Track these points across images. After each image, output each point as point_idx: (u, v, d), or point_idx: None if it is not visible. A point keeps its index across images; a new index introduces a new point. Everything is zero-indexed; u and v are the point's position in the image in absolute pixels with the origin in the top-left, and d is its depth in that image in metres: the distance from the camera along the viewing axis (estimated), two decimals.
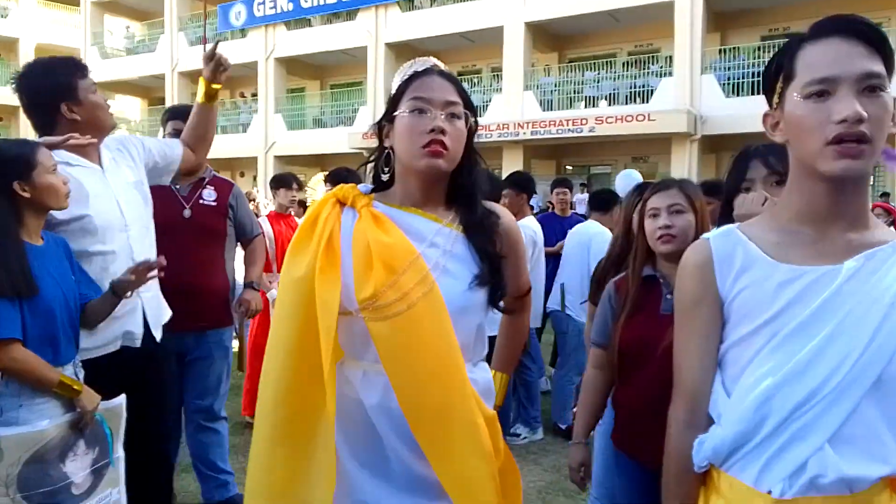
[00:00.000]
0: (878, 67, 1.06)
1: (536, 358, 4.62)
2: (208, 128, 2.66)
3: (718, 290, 1.17)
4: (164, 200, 2.74)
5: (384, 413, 1.35)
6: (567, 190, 5.68)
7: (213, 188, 3.14)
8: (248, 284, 3.26)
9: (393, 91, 1.44)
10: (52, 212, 2.10)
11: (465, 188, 1.45)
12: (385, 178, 1.45)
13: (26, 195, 1.95)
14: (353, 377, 1.38)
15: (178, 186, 2.95)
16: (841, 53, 1.06)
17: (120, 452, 2.17)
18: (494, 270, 1.42)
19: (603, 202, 4.81)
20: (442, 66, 1.47)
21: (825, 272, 1.09)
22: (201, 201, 3.08)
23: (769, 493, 1.08)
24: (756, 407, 1.09)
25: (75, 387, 2.00)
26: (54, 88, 2.22)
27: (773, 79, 1.15)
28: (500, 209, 1.53)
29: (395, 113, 1.40)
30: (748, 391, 1.11)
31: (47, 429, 1.93)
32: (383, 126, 1.45)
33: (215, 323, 3.02)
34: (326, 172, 4.92)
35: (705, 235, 1.23)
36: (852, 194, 1.11)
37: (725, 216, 1.79)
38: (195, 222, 3.01)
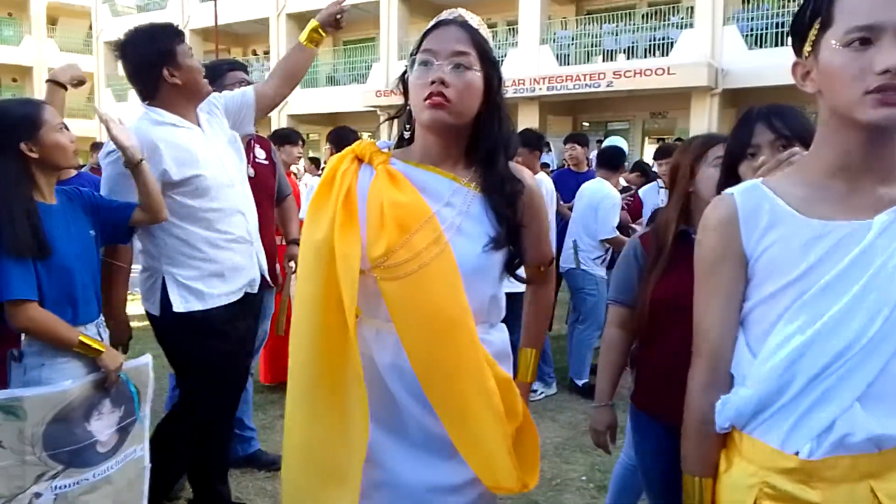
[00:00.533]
0: None
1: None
2: (301, 69, 2.75)
3: (743, 248, 1.13)
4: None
5: (396, 372, 1.35)
6: (575, 144, 5.53)
7: (259, 146, 3.11)
8: (294, 241, 3.36)
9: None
10: (168, 173, 2.23)
11: (485, 146, 1.41)
12: (407, 135, 1.43)
13: (34, 155, 1.93)
14: (367, 334, 1.38)
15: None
16: None
17: (146, 411, 2.20)
18: (512, 236, 1.39)
19: (611, 159, 4.78)
20: (469, 16, 1.41)
21: (856, 227, 1.06)
22: (256, 160, 3.07)
23: (796, 454, 1.06)
24: (784, 367, 1.07)
25: (96, 346, 2.00)
26: (157, 54, 2.32)
27: (807, 25, 1.09)
28: (526, 174, 1.48)
29: (409, 67, 1.39)
30: (775, 351, 1.08)
31: (70, 388, 1.95)
32: (406, 82, 1.42)
33: (267, 284, 2.94)
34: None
35: (729, 190, 1.18)
36: (886, 146, 1.07)
37: (727, 185, 1.69)
38: (257, 181, 2.97)
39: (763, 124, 1.69)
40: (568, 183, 5.28)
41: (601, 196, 4.49)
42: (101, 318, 2.12)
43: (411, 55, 1.40)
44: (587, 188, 4.68)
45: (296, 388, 1.39)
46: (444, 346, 1.30)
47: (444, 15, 1.41)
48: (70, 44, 27.24)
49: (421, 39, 1.38)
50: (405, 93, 1.42)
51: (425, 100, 1.31)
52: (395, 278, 1.29)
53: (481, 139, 1.41)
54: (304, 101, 19.98)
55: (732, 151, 1.74)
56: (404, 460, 1.37)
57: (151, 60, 2.33)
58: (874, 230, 1.05)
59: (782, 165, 1.52)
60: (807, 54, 1.10)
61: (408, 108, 1.41)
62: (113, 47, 2.39)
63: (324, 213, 1.34)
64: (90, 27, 25.79)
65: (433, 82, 1.31)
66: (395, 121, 1.50)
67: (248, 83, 2.71)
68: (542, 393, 4.44)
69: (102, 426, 2.03)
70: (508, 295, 1.56)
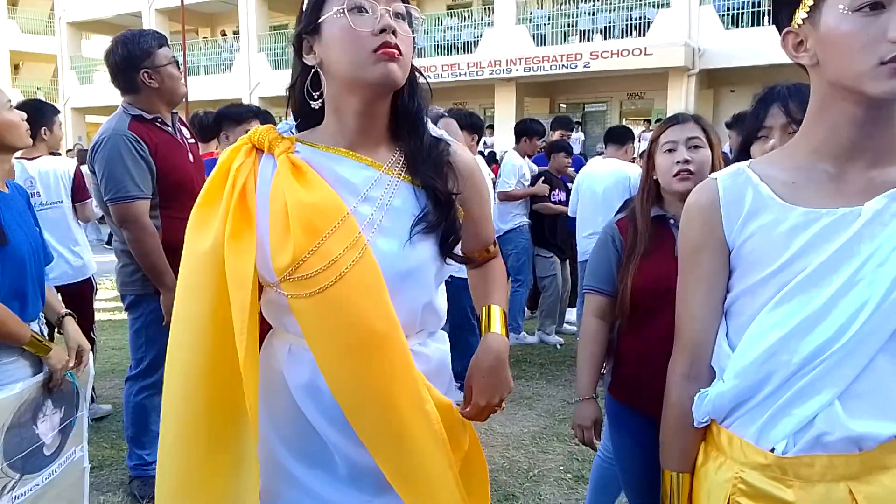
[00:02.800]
0: None
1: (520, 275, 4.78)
2: None
3: (725, 236, 1.08)
4: (180, 151, 2.70)
5: (312, 396, 1.16)
6: (569, 132, 6.03)
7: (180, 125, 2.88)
8: None
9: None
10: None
11: (410, 113, 1.19)
12: (316, 105, 1.17)
13: None
14: (278, 351, 1.20)
15: (171, 129, 2.72)
16: None
17: (84, 410, 2.12)
18: (443, 211, 1.17)
19: (619, 136, 4.84)
20: None
21: (843, 214, 0.99)
22: (188, 142, 2.86)
23: (772, 450, 1.02)
24: (762, 361, 1.02)
25: (45, 343, 1.91)
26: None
27: None
28: (452, 139, 1.28)
29: (322, 17, 1.12)
30: (754, 344, 1.03)
31: (23, 391, 1.85)
32: (303, 40, 1.16)
33: None
34: None
35: (713, 175, 1.13)
36: (883, 123, 0.99)
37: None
38: (200, 167, 2.85)
39: (778, 106, 1.64)
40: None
41: (627, 175, 4.45)
42: (42, 316, 2.02)
43: (315, 5, 1.14)
44: (599, 170, 4.67)
45: (171, 429, 1.15)
46: (372, 369, 1.10)
47: None
48: (32, 24, 26.42)
49: None
50: (299, 53, 1.18)
51: (376, 51, 1.08)
52: (307, 294, 1.08)
53: (403, 108, 1.19)
54: (276, 82, 19.59)
55: (747, 131, 1.70)
56: (330, 494, 1.18)
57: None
58: (863, 217, 0.98)
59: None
60: (801, 21, 1.00)
61: (312, 71, 1.16)
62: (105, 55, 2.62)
63: (212, 217, 1.12)
64: (52, 7, 24.97)
65: (383, 31, 1.08)
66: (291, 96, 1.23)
67: (177, 62, 2.67)
68: (516, 339, 4.61)
69: (47, 428, 1.96)
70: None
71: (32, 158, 3.56)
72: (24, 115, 1.98)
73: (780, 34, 1.05)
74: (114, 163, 2.44)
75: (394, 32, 1.09)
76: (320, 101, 1.17)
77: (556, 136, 5.75)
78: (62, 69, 24.12)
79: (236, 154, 1.17)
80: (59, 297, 2.21)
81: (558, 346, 5.23)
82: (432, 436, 1.14)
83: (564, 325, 5.60)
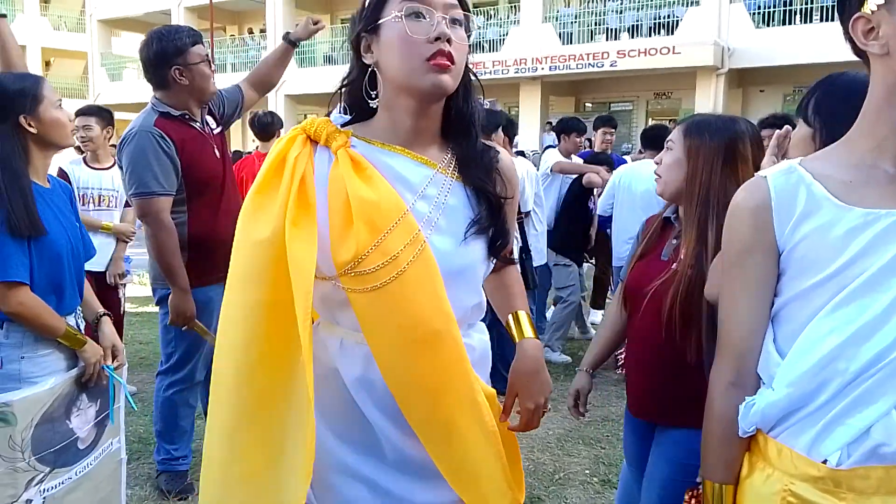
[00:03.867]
0: None
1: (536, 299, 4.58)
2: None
3: (775, 238, 1.03)
4: (206, 147, 2.73)
5: (366, 388, 1.17)
6: (613, 129, 5.75)
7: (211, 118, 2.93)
8: None
9: None
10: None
11: (463, 116, 1.22)
12: (374, 104, 1.19)
13: (33, 130, 1.88)
14: (330, 344, 1.21)
15: (200, 124, 2.74)
16: None
17: (121, 402, 2.13)
18: (495, 214, 1.21)
19: (656, 139, 4.51)
20: None
21: None
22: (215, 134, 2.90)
23: (825, 462, 0.98)
24: (818, 369, 0.98)
25: (80, 337, 1.93)
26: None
27: None
28: (496, 145, 1.31)
29: (381, 20, 1.13)
30: (808, 351, 0.99)
31: (55, 386, 1.88)
32: (362, 38, 1.18)
33: None
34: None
35: (761, 173, 1.06)
36: None
37: None
38: (229, 164, 2.90)
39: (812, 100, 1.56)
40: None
41: None
42: (79, 309, 2.04)
43: (375, 4, 1.15)
44: (636, 172, 4.49)
45: (221, 416, 1.16)
46: (429, 362, 1.13)
47: None
48: (63, 22, 26.88)
49: None
50: (357, 52, 1.19)
51: (428, 60, 1.09)
52: (367, 289, 1.10)
53: (456, 111, 1.21)
54: (302, 80, 19.75)
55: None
56: (381, 479, 1.21)
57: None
58: None
59: (783, 143, 1.40)
60: (876, 7, 0.94)
61: (369, 70, 1.17)
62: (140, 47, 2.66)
63: (270, 206, 1.11)
64: (83, 5, 25.37)
65: (438, 38, 1.09)
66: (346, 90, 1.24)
67: (209, 61, 2.68)
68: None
69: (82, 422, 1.98)
70: None
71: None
72: (72, 115, 2.02)
73: (846, 21, 0.99)
74: (138, 158, 2.47)
75: (448, 41, 1.10)
76: (377, 99, 1.19)
77: (598, 134, 5.65)
78: (92, 66, 24.51)
79: (292, 144, 1.17)
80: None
81: (564, 364, 4.87)
82: (482, 427, 1.19)
83: (590, 328, 5.45)
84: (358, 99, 1.21)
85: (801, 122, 1.37)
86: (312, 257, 1.08)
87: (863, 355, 0.95)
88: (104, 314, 2.11)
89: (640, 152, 5.80)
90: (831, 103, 1.31)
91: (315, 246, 1.09)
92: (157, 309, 2.85)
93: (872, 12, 0.95)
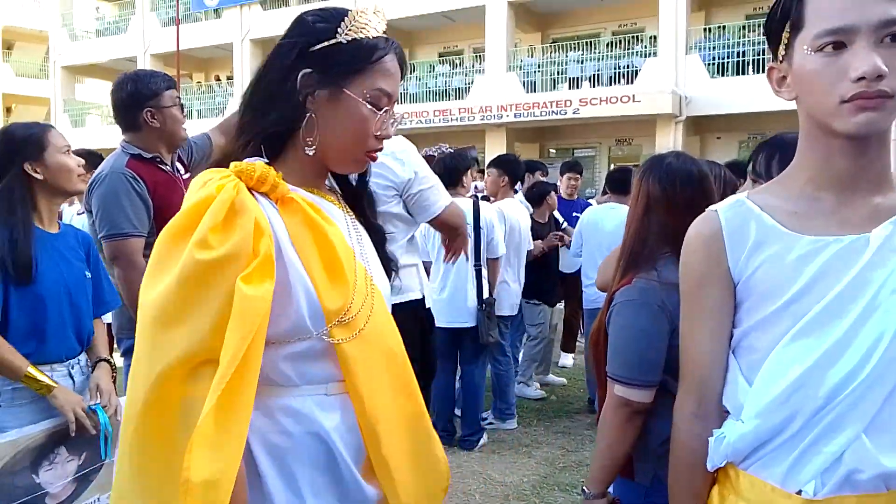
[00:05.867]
0: None
1: (509, 351, 4.55)
2: None
3: (729, 269, 1.06)
4: (176, 190, 2.65)
5: (339, 432, 1.11)
6: (578, 175, 5.86)
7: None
8: None
9: (336, 39, 1.09)
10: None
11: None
12: (311, 152, 1.11)
13: (38, 176, 1.92)
14: (301, 406, 1.10)
15: (170, 168, 2.70)
16: None
17: (114, 456, 2.03)
18: (383, 245, 1.27)
19: (621, 182, 4.54)
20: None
21: (850, 242, 0.97)
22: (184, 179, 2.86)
23: (799, 492, 0.97)
24: (785, 398, 0.98)
25: (46, 382, 1.87)
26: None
27: (779, 26, 1.01)
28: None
29: (346, 87, 1.10)
30: (774, 380, 0.99)
31: (18, 439, 1.80)
32: (311, 83, 1.09)
33: None
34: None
35: (713, 207, 1.10)
36: (874, 153, 0.99)
37: None
38: None
39: (754, 157, 1.75)
40: (559, 211, 5.38)
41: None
42: (84, 360, 2.02)
43: (344, 64, 1.10)
44: (610, 215, 4.46)
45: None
46: (401, 399, 1.16)
47: (378, 23, 1.14)
48: (26, 68, 26.62)
49: (367, 57, 1.10)
50: (297, 89, 1.09)
51: (367, 152, 1.15)
52: (356, 336, 1.08)
53: None
54: None
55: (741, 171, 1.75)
56: None
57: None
58: (872, 245, 0.96)
59: None
60: (781, 58, 1.02)
61: (309, 116, 1.10)
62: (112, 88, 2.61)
63: (233, 233, 0.99)
64: (47, 51, 25.23)
65: (381, 137, 1.16)
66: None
67: (181, 106, 2.68)
68: (492, 425, 4.39)
69: (55, 476, 1.88)
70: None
71: None
72: (82, 161, 2.04)
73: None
74: (110, 200, 2.42)
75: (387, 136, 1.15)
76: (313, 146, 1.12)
77: (564, 179, 5.74)
78: (55, 112, 24.21)
79: (240, 191, 1.03)
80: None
81: (535, 399, 4.98)
82: (438, 457, 1.22)
83: (551, 372, 5.46)
84: (277, 139, 1.13)
85: (749, 181, 1.45)
86: (267, 304, 1.00)
87: (829, 381, 0.96)
88: (103, 360, 2.06)
89: (604, 194, 5.96)
90: (780, 163, 1.39)
91: (269, 303, 1.00)
92: None
93: (780, 62, 1.02)
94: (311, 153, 1.12)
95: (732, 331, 1.08)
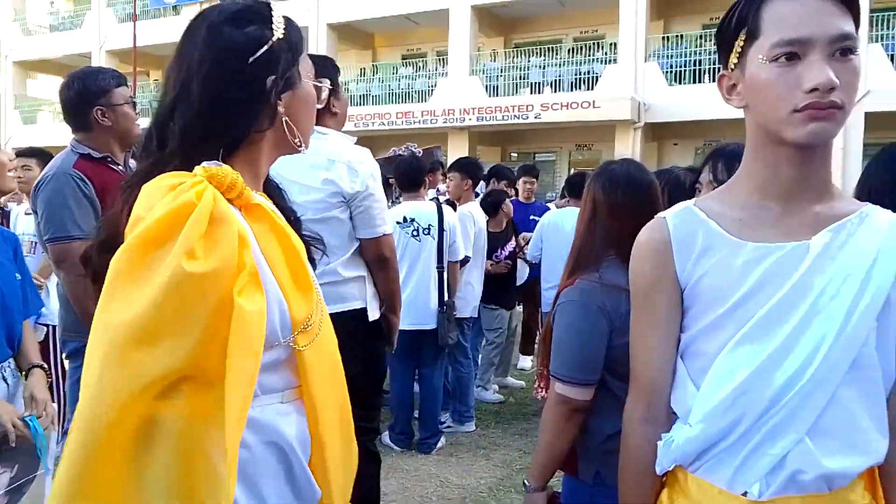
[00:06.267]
0: (851, 27, 0.97)
1: (470, 353, 4.58)
2: None
3: (677, 275, 1.08)
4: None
5: (297, 439, 1.11)
6: (534, 179, 5.86)
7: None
8: None
9: (275, 36, 1.09)
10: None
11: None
12: (304, 148, 1.17)
13: None
14: (263, 417, 1.07)
15: (122, 167, 2.63)
16: (811, 10, 0.96)
17: (47, 469, 1.97)
18: (300, 230, 1.23)
19: (581, 186, 4.62)
20: None
21: (792, 249, 1.01)
22: None
23: (745, 494, 1.00)
24: (730, 401, 1.00)
25: None
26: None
27: (732, 35, 1.03)
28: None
29: (301, 77, 1.14)
30: (720, 385, 1.02)
31: None
32: (278, 88, 1.09)
33: None
34: None
35: (661, 214, 1.12)
36: (818, 162, 1.02)
37: None
38: None
39: (709, 165, 1.81)
40: (516, 213, 5.36)
41: None
42: (11, 363, 1.94)
43: (291, 62, 1.12)
44: (570, 217, 4.45)
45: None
46: (343, 399, 1.18)
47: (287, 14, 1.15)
48: None
49: (298, 47, 1.14)
50: (272, 95, 1.09)
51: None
52: (314, 341, 1.09)
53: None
54: None
55: (691, 182, 1.78)
56: None
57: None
58: (812, 252, 1.00)
59: None
60: (733, 66, 1.04)
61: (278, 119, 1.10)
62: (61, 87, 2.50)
63: (220, 243, 0.94)
64: None
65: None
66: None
67: (134, 103, 2.61)
68: (450, 427, 4.40)
69: None
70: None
71: None
72: (12, 156, 1.96)
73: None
74: (55, 201, 2.35)
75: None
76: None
77: (520, 183, 5.77)
78: (5, 108, 23.43)
79: (218, 199, 0.98)
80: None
81: (496, 403, 5.00)
82: (354, 452, 1.24)
83: (510, 374, 5.49)
84: (239, 141, 1.10)
85: (707, 187, 1.51)
86: (263, 317, 0.98)
87: (773, 385, 0.98)
88: (38, 366, 1.99)
89: (563, 197, 6.05)
90: (726, 172, 1.45)
91: (265, 317, 0.98)
92: None
93: (731, 70, 1.04)
94: (304, 149, 1.16)
95: (680, 336, 1.10)
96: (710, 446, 1.03)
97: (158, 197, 0.95)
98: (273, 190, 1.23)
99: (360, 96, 18.71)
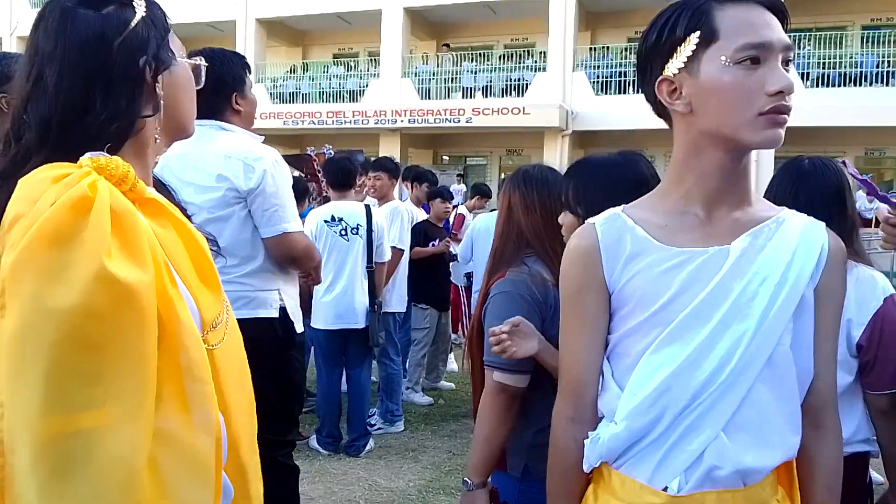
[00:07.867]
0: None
1: (400, 351, 4.59)
2: None
3: (605, 279, 1.11)
4: None
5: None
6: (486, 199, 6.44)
7: None
8: None
9: (152, 15, 1.01)
10: None
11: None
12: (186, 136, 1.12)
13: None
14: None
15: None
16: (765, 19, 1.00)
17: None
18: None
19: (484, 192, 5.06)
20: None
21: (713, 253, 1.05)
22: None
23: (665, 489, 1.03)
24: (652, 400, 1.04)
25: None
26: (233, 78, 2.35)
27: (678, 39, 1.03)
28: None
29: (175, 58, 1.04)
30: (643, 384, 1.05)
31: None
32: (151, 66, 1.00)
33: None
34: None
35: (591, 220, 1.15)
36: (742, 170, 1.07)
37: None
38: None
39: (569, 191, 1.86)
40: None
41: None
42: None
43: (162, 36, 1.03)
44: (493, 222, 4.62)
45: None
46: (250, 398, 1.11)
47: None
48: None
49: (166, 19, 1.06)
50: (154, 77, 1.00)
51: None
52: (223, 341, 1.02)
53: None
54: None
55: None
56: None
57: (227, 83, 2.34)
58: (732, 256, 1.04)
59: None
60: (677, 70, 1.04)
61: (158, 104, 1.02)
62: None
63: (133, 243, 0.86)
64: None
65: None
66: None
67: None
68: (379, 429, 4.39)
69: None
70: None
71: None
72: None
73: (650, 84, 1.08)
74: None
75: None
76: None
77: (473, 200, 6.12)
78: None
79: (109, 191, 0.89)
80: None
81: (425, 405, 4.99)
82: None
83: (443, 377, 5.51)
84: (123, 130, 1.01)
85: (565, 212, 1.55)
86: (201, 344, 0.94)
87: (693, 384, 1.02)
88: None
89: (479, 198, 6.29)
90: (588, 192, 1.50)
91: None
92: None
93: (674, 75, 1.05)
94: (190, 132, 1.10)
95: (608, 338, 1.13)
96: (633, 443, 1.06)
97: (40, 191, 0.83)
98: (161, 188, 1.12)
99: (290, 94, 18.38)
